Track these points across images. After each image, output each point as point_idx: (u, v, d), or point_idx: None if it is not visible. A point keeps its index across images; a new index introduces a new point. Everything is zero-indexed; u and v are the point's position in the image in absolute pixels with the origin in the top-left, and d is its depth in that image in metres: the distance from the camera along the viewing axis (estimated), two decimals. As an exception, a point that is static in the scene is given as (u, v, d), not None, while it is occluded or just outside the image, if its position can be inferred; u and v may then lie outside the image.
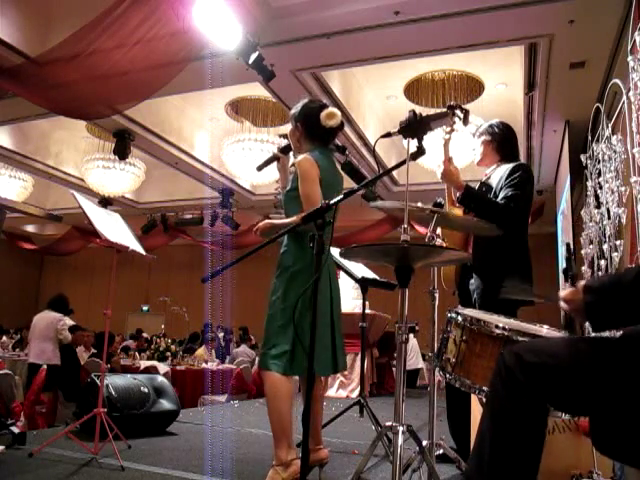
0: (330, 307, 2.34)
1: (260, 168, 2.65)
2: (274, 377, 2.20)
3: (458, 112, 2.34)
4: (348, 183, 7.26)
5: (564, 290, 1.36)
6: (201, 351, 8.05)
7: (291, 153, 2.58)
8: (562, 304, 1.35)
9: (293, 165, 2.42)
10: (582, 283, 1.30)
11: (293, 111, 2.47)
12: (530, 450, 1.22)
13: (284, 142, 2.60)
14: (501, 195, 2.68)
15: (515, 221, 2.63)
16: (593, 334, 1.48)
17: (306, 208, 2.21)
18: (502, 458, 1.21)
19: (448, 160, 2.71)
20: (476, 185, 2.89)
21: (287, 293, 2.25)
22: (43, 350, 5.64)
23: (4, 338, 10.33)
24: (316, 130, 2.38)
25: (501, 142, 2.87)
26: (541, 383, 1.20)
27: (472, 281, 2.74)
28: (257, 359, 8.50)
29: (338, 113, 2.39)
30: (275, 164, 2.60)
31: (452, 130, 2.69)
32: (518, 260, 2.69)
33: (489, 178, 2.88)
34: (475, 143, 2.99)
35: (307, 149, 2.40)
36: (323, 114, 2.36)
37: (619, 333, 1.25)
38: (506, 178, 2.71)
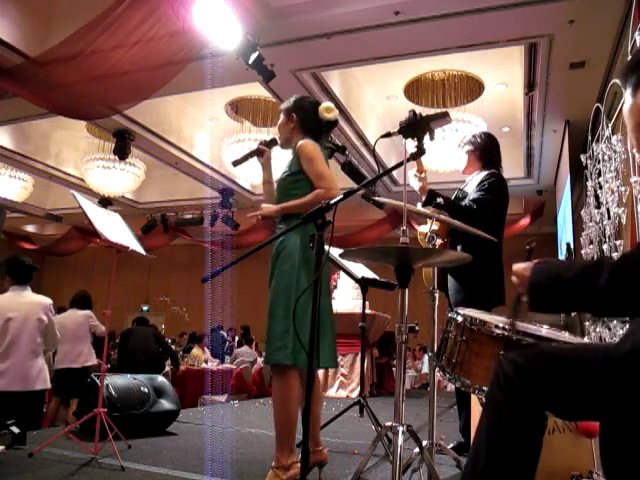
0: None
1: (237, 163, 2.61)
2: (288, 377, 2.15)
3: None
4: (348, 183, 7.29)
5: (518, 264, 1.33)
6: (196, 351, 8.05)
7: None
8: (513, 277, 1.33)
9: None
10: (535, 262, 1.29)
11: (285, 104, 2.48)
12: (526, 457, 1.21)
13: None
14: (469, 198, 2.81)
15: (480, 223, 2.63)
16: (592, 339, 1.48)
17: (321, 185, 2.23)
18: (497, 464, 1.21)
19: (421, 171, 2.79)
20: (454, 192, 3.03)
21: (300, 282, 2.18)
22: (79, 352, 5.31)
23: None
24: (311, 122, 2.40)
25: (483, 151, 3.01)
26: (539, 390, 1.20)
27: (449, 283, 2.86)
28: (260, 357, 8.52)
29: (335, 108, 2.42)
30: (255, 159, 2.56)
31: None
32: (489, 266, 2.77)
33: (466, 185, 3.02)
34: (460, 153, 3.11)
35: (299, 140, 2.37)
36: (322, 107, 2.39)
37: (617, 338, 1.25)
38: (478, 184, 2.85)
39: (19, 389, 3.47)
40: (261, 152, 2.52)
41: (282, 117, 2.47)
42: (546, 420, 1.24)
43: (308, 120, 2.40)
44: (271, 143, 2.53)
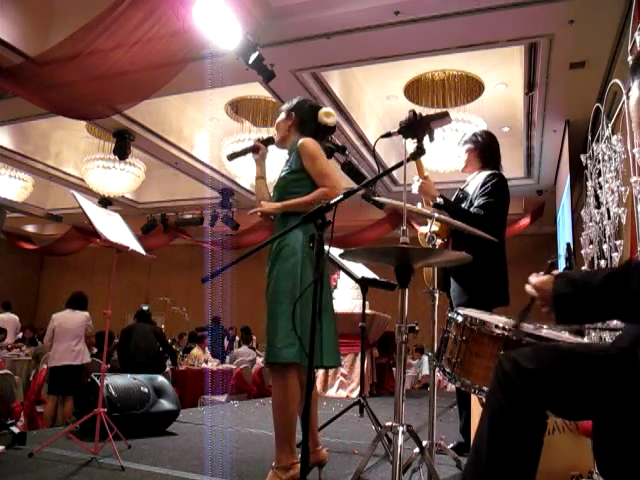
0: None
1: (232, 157, 2.64)
2: (287, 377, 2.14)
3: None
4: (348, 183, 7.28)
5: (536, 276, 1.31)
6: (196, 351, 8.05)
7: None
8: (530, 289, 1.31)
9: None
10: (555, 273, 1.27)
11: (286, 105, 2.52)
12: (527, 456, 1.21)
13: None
14: (475, 204, 2.78)
15: (487, 228, 2.63)
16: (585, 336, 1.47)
17: (324, 184, 2.25)
18: (499, 463, 1.21)
19: (424, 178, 2.76)
20: (455, 192, 3.00)
21: (303, 280, 2.18)
22: (79, 351, 5.44)
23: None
24: (308, 123, 2.43)
25: (483, 150, 2.99)
26: (539, 389, 1.20)
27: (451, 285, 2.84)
28: (259, 357, 8.51)
29: (334, 114, 2.47)
30: (251, 155, 2.58)
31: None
32: (493, 267, 2.76)
33: (467, 185, 3.00)
34: (460, 151, 3.08)
35: (296, 139, 2.38)
36: (322, 111, 2.44)
37: (615, 336, 1.25)
38: (481, 187, 2.82)
39: None
40: (257, 148, 2.56)
41: (282, 115, 2.50)
42: (547, 419, 1.24)
43: (306, 121, 2.44)
44: (268, 141, 2.57)
